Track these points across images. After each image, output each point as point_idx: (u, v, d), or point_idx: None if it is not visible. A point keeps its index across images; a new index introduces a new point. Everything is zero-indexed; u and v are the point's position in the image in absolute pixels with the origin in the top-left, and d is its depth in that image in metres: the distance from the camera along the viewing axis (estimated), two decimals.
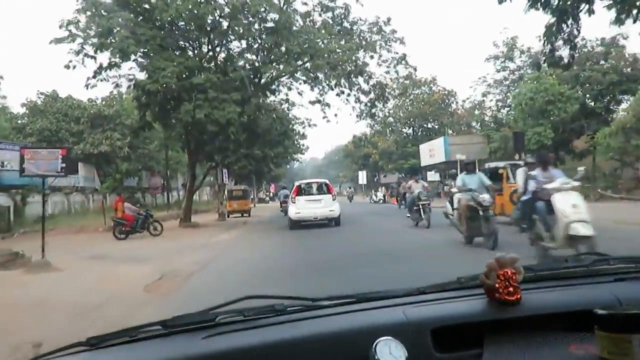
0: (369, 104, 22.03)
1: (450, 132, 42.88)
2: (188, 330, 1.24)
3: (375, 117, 32.64)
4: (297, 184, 18.16)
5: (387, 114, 48.01)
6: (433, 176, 38.80)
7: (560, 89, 25.07)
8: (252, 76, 19.13)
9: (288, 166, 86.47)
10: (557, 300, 1.26)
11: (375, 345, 1.05)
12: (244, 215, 28.34)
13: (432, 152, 36.51)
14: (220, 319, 1.26)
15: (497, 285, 1.19)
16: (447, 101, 46.97)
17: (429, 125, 47.87)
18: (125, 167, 30.57)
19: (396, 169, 45.86)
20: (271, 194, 59.77)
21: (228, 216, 26.42)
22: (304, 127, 28.93)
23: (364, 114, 25.26)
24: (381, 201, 37.27)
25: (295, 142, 33.83)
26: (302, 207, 16.19)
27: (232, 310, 1.29)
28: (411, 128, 49.37)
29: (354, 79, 20.48)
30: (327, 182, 17.97)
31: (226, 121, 16.65)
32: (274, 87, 21.53)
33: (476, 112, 42.72)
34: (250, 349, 1.14)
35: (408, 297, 1.34)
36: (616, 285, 1.33)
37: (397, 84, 40.63)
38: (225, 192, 28.43)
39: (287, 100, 23.42)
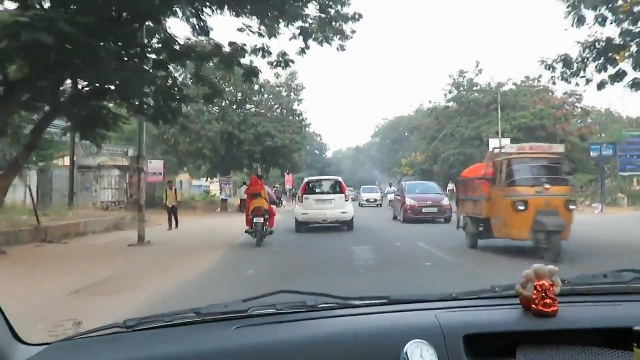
0: None
1: None
2: (221, 320, 1.28)
3: None
4: (305, 180, 16.45)
5: None
6: None
7: None
8: None
9: (316, 150, 57.15)
10: (594, 315, 1.23)
11: (407, 348, 1.05)
12: None
13: None
14: (253, 311, 1.29)
15: (533, 296, 1.17)
16: None
17: None
18: None
19: None
20: (288, 191, 38.07)
21: None
22: None
23: None
24: None
25: None
26: (310, 208, 14.65)
27: (266, 303, 1.31)
28: None
29: None
30: (341, 179, 16.21)
31: None
32: None
33: None
34: (281, 342, 1.15)
35: (441, 302, 1.34)
36: None
37: None
38: None
39: None
